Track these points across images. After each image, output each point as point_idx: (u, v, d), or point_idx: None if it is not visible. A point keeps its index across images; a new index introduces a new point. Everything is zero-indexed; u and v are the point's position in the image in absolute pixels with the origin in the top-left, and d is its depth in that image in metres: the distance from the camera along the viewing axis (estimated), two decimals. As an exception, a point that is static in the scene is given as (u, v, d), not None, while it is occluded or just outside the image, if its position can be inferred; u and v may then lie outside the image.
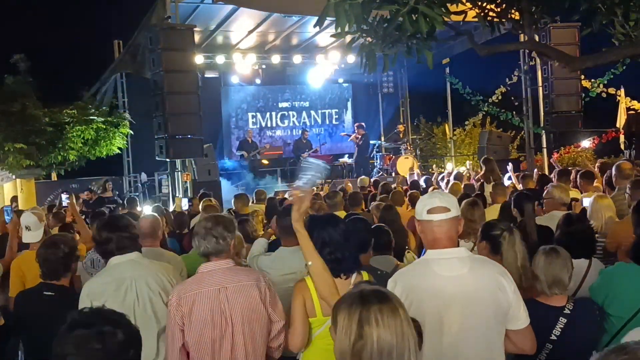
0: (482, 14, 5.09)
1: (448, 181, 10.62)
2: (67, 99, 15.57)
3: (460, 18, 4.86)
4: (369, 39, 4.50)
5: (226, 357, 3.30)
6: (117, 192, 17.15)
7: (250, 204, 9.99)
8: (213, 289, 3.31)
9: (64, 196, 8.24)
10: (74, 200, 8.89)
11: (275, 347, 3.49)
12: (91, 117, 14.70)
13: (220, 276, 3.35)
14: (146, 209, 9.56)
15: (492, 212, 6.37)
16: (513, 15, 5.52)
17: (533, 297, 3.51)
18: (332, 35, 4.79)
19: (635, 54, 5.49)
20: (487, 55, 5.76)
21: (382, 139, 19.91)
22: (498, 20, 5.36)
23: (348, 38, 4.78)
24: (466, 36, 5.72)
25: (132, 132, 16.39)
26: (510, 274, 3.51)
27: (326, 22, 4.43)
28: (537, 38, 14.50)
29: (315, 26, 4.66)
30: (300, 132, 19.41)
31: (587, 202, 5.70)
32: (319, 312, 3.40)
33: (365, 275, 3.54)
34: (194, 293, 3.31)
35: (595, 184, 7.72)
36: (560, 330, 3.35)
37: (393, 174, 17.24)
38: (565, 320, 3.37)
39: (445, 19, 4.08)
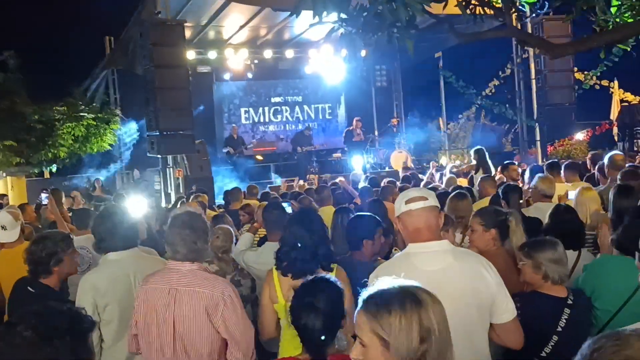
0: (463, 3, 5.03)
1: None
2: (57, 95, 15.50)
3: (440, 7, 4.79)
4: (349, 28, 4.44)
5: (166, 354, 3.26)
6: (108, 189, 17.04)
7: (242, 198, 9.95)
8: (165, 287, 3.27)
9: (43, 195, 8.17)
10: (63, 199, 8.84)
11: None
12: (81, 114, 14.61)
13: (178, 277, 3.29)
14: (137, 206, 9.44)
15: (482, 205, 6.32)
16: (495, 4, 5.47)
17: (534, 289, 3.46)
18: (311, 25, 4.75)
19: (616, 39, 5.45)
20: (467, 43, 5.74)
21: (376, 133, 19.83)
22: (479, 8, 5.30)
23: (328, 27, 4.73)
24: (447, 24, 5.66)
25: (124, 129, 16.31)
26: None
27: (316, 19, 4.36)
28: (529, 28, 14.49)
29: (290, 15, 4.60)
30: (299, 126, 19.35)
31: (572, 194, 5.68)
32: (280, 297, 3.52)
33: (334, 273, 3.52)
34: (150, 286, 3.32)
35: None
36: (565, 321, 3.30)
37: (387, 168, 17.18)
38: (569, 310, 3.33)
39: (426, 7, 4.02)
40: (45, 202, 7.81)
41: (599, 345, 1.19)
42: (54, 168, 16.40)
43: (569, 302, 3.36)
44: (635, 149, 14.12)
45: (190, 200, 8.97)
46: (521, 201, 5.87)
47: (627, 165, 7.04)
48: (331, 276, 2.89)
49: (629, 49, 6.38)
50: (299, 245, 3.51)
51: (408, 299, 1.83)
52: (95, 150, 15.51)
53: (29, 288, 3.89)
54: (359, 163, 16.72)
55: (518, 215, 4.03)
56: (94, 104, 15.69)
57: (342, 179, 13.25)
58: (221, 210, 9.16)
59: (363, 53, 17.16)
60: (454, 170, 11.94)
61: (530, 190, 6.13)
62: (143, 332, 3.31)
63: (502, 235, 3.94)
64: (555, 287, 3.40)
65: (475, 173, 9.86)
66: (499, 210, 4.16)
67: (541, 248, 3.46)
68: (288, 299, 3.15)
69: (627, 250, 3.47)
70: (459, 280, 2.82)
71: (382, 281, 1.96)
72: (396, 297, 1.84)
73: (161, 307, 3.25)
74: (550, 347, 3.28)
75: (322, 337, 2.51)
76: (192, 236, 3.28)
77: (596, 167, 7.61)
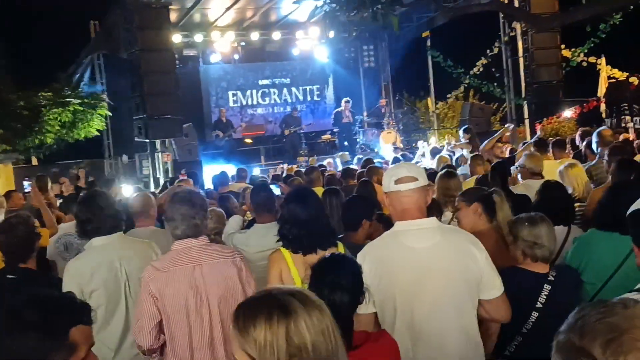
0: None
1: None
2: (42, 81, 15.33)
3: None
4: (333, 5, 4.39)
5: (202, 336, 3.24)
6: (92, 179, 16.87)
7: (231, 182, 9.91)
8: (188, 266, 3.24)
9: (25, 182, 8.10)
10: (50, 185, 8.78)
11: None
12: (67, 100, 14.48)
13: (195, 253, 3.29)
14: (124, 191, 9.41)
15: (471, 184, 6.33)
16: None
17: (515, 264, 3.46)
18: (293, 2, 4.69)
19: (602, 12, 5.45)
20: (453, 18, 5.71)
21: (365, 114, 19.76)
22: None
23: (311, 4, 4.68)
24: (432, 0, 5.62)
25: (111, 114, 16.16)
26: (505, 229, 3.62)
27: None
28: (515, 2, 14.45)
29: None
30: (287, 108, 19.21)
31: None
32: (297, 279, 3.43)
33: (340, 248, 3.51)
34: (168, 270, 3.24)
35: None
36: (545, 297, 3.30)
37: (376, 150, 17.16)
38: (550, 287, 3.32)
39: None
40: (28, 189, 7.73)
41: (584, 313, 1.20)
42: (41, 155, 16.27)
43: (550, 278, 3.35)
44: (623, 125, 14.15)
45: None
46: (510, 177, 5.87)
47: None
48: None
49: (617, 23, 6.37)
50: (299, 221, 3.48)
51: (276, 309, 1.55)
52: (82, 136, 15.40)
53: (8, 276, 3.83)
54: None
55: (502, 193, 4.02)
56: (80, 90, 15.52)
57: (330, 161, 13.28)
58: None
59: (351, 34, 17.05)
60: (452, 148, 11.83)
61: (518, 168, 6.14)
62: (172, 316, 3.23)
63: (487, 211, 3.92)
64: (536, 263, 3.40)
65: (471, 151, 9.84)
66: (481, 187, 4.17)
67: (520, 226, 3.46)
68: (305, 278, 3.13)
69: (612, 227, 3.48)
70: (447, 257, 2.82)
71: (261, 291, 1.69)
72: (264, 307, 1.57)
73: (191, 285, 3.21)
74: (531, 324, 3.29)
75: (353, 313, 2.49)
76: (191, 212, 3.28)
77: (584, 144, 7.63)
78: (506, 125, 12.16)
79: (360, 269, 2.59)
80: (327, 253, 3.31)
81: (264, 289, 1.67)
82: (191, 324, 3.23)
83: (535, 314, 3.30)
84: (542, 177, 5.94)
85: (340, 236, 4.34)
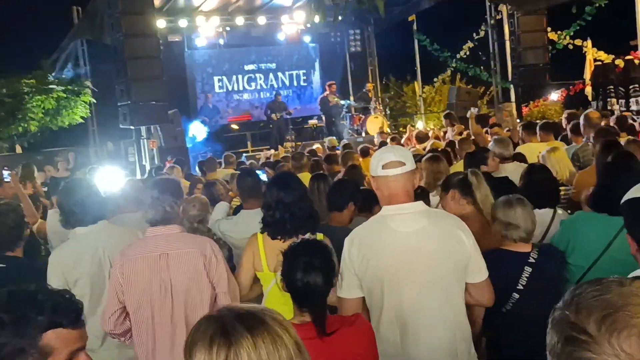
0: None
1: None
2: (25, 68, 15.15)
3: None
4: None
5: (165, 324, 3.26)
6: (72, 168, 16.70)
7: (219, 168, 9.88)
8: (154, 254, 3.26)
9: (5, 172, 7.98)
10: (36, 173, 8.69)
11: None
12: (51, 86, 14.31)
13: (164, 242, 3.29)
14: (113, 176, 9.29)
15: (458, 168, 6.33)
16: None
17: (498, 247, 3.46)
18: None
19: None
20: (438, 1, 5.67)
21: (352, 98, 19.71)
22: None
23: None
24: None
25: (95, 101, 16.00)
26: (485, 208, 3.68)
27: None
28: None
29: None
30: (273, 94, 19.07)
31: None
32: (265, 266, 3.50)
33: (319, 236, 3.49)
34: (135, 257, 3.27)
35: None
36: (526, 279, 3.31)
37: (363, 134, 17.14)
38: (531, 269, 3.33)
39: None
40: (7, 179, 7.62)
41: (580, 290, 1.21)
42: (25, 143, 16.11)
43: (531, 260, 3.36)
44: (609, 107, 14.21)
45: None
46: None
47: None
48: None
49: (602, 5, 6.36)
50: (282, 204, 3.48)
51: (218, 335, 1.39)
52: (67, 123, 15.24)
53: None
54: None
55: (478, 172, 4.00)
56: (64, 76, 15.34)
57: (319, 146, 13.26)
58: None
59: (337, 19, 16.98)
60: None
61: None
62: (135, 303, 3.26)
63: (465, 194, 3.91)
64: (517, 244, 3.41)
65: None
66: (456, 173, 4.17)
67: (497, 207, 3.48)
68: (276, 268, 3.12)
69: (600, 208, 3.49)
70: (435, 241, 2.81)
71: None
72: (208, 331, 1.41)
73: (155, 274, 3.23)
74: (511, 305, 3.30)
75: (327, 296, 2.50)
76: (161, 197, 3.30)
77: (569, 127, 7.65)
78: (471, 109, 12.09)
79: (332, 252, 2.62)
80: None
81: (217, 309, 1.52)
82: (154, 312, 3.25)
83: (516, 295, 3.32)
84: (512, 161, 5.97)
85: (324, 222, 4.34)
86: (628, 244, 2.19)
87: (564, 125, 8.85)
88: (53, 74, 15.23)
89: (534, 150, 6.60)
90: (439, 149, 8.40)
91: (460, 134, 10.24)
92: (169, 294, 3.24)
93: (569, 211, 4.47)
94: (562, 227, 3.78)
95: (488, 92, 20.57)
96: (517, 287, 3.32)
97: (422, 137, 11.17)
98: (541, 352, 1.24)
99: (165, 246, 3.27)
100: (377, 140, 13.14)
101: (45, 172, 12.61)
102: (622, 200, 2.24)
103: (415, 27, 19.52)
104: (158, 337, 3.26)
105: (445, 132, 12.26)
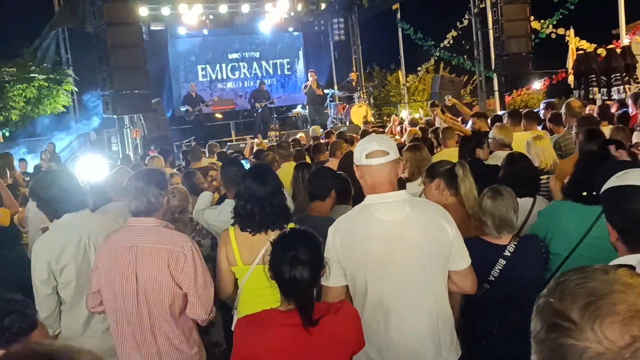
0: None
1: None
2: (6, 56, 14.96)
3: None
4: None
5: (131, 317, 3.25)
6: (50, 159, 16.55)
7: (203, 157, 9.84)
8: (126, 245, 3.26)
9: None
10: (16, 162, 8.61)
11: (192, 318, 3.36)
12: (32, 75, 14.16)
13: (138, 233, 3.28)
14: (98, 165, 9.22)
15: (442, 157, 6.35)
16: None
17: (480, 235, 3.50)
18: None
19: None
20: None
21: (336, 87, 19.69)
22: None
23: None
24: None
25: (77, 89, 15.85)
26: (468, 201, 3.66)
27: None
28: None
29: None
30: (257, 83, 18.97)
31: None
32: (239, 260, 3.48)
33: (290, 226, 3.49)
34: (111, 245, 3.29)
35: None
36: (498, 271, 3.34)
37: (347, 123, 17.14)
38: (505, 262, 3.35)
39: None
40: None
41: (564, 278, 1.22)
42: (7, 132, 15.93)
43: (506, 253, 3.38)
44: (591, 96, 14.30)
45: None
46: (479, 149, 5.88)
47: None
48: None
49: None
50: (255, 197, 3.47)
51: None
52: (48, 112, 15.09)
53: None
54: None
55: (465, 164, 3.97)
56: (45, 65, 15.17)
57: (302, 135, 13.24)
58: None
59: (320, 7, 16.94)
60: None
61: (489, 139, 6.17)
62: (106, 290, 3.29)
63: (449, 185, 3.91)
64: (497, 235, 3.44)
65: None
66: (443, 162, 4.15)
67: (482, 199, 3.51)
68: (264, 258, 3.13)
69: (577, 197, 3.52)
70: (418, 229, 2.83)
71: None
72: None
73: (123, 264, 3.23)
74: (481, 294, 3.31)
75: (314, 287, 2.50)
76: (146, 188, 3.28)
77: (548, 116, 7.70)
78: (449, 96, 12.13)
79: (320, 243, 2.60)
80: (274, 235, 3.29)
81: (24, 344, 1.38)
82: (118, 303, 3.25)
83: (486, 286, 3.35)
84: (511, 149, 5.99)
85: (305, 212, 4.34)
86: (605, 231, 2.21)
87: (541, 115, 8.90)
88: (34, 63, 15.02)
89: (517, 138, 6.64)
90: (419, 137, 8.44)
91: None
92: (133, 286, 3.22)
93: (550, 199, 4.51)
94: (540, 217, 3.81)
95: (471, 81, 20.64)
96: (488, 278, 3.35)
97: (415, 123, 11.32)
98: (510, 339, 1.25)
99: (138, 238, 3.25)
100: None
101: (25, 161, 12.53)
102: (602, 189, 2.25)
103: (399, 15, 19.51)
104: (126, 329, 3.26)
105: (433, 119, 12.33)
